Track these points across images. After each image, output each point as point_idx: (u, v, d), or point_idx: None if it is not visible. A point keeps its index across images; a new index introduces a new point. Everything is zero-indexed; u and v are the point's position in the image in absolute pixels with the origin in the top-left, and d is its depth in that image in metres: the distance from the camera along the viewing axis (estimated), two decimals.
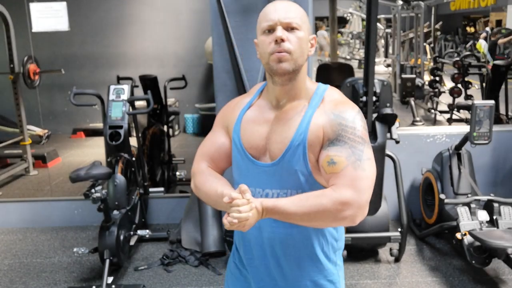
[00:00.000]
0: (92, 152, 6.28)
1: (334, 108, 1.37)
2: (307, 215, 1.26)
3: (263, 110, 1.45)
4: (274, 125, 1.41)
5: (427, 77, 8.55)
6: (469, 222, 3.18)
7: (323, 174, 1.34)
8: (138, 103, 5.52)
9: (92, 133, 7.17)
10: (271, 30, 1.36)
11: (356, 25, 14.82)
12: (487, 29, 9.80)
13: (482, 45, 9.51)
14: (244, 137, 1.44)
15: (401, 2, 9.13)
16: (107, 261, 3.14)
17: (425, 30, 9.71)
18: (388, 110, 3.23)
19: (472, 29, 10.86)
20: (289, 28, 1.35)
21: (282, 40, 1.33)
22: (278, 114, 1.42)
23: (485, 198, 3.32)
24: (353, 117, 1.34)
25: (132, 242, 3.53)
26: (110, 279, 3.15)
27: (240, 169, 1.46)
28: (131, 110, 3.76)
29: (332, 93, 1.43)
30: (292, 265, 1.46)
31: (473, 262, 3.07)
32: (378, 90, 3.24)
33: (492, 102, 3.43)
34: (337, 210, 1.25)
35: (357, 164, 1.28)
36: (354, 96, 3.11)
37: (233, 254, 1.64)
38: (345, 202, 1.24)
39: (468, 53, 8.73)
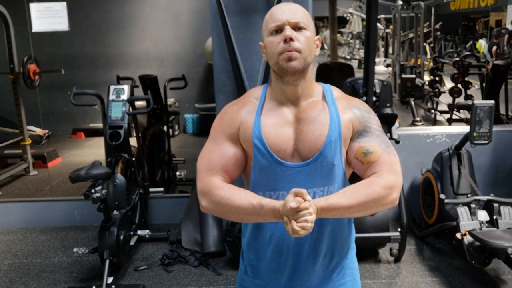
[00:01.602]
0: (92, 152, 6.28)
1: (350, 103, 1.46)
2: (363, 205, 1.32)
3: (277, 112, 1.43)
4: (299, 125, 1.40)
5: (427, 77, 8.55)
6: (469, 222, 3.18)
7: (356, 165, 1.41)
8: (138, 103, 5.54)
9: (92, 133, 7.18)
10: (278, 30, 1.37)
11: (356, 25, 14.85)
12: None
13: (482, 45, 9.52)
14: (268, 141, 1.40)
15: (401, 2, 9.15)
16: (107, 261, 3.13)
17: (425, 30, 9.72)
18: (388, 110, 3.24)
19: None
20: (297, 27, 1.36)
21: (291, 39, 1.34)
22: (297, 115, 1.41)
23: (485, 198, 3.31)
24: (368, 110, 1.47)
25: (132, 242, 3.53)
26: (110, 279, 3.15)
27: (268, 174, 1.41)
28: (131, 110, 3.76)
29: (336, 91, 1.50)
30: (327, 259, 1.47)
31: (473, 262, 3.07)
32: (378, 90, 3.25)
33: (492, 102, 3.42)
34: (387, 195, 1.34)
35: (389, 150, 1.40)
36: (354, 96, 3.12)
37: (244, 272, 1.57)
38: (391, 186, 1.35)
39: (468, 53, 8.74)
